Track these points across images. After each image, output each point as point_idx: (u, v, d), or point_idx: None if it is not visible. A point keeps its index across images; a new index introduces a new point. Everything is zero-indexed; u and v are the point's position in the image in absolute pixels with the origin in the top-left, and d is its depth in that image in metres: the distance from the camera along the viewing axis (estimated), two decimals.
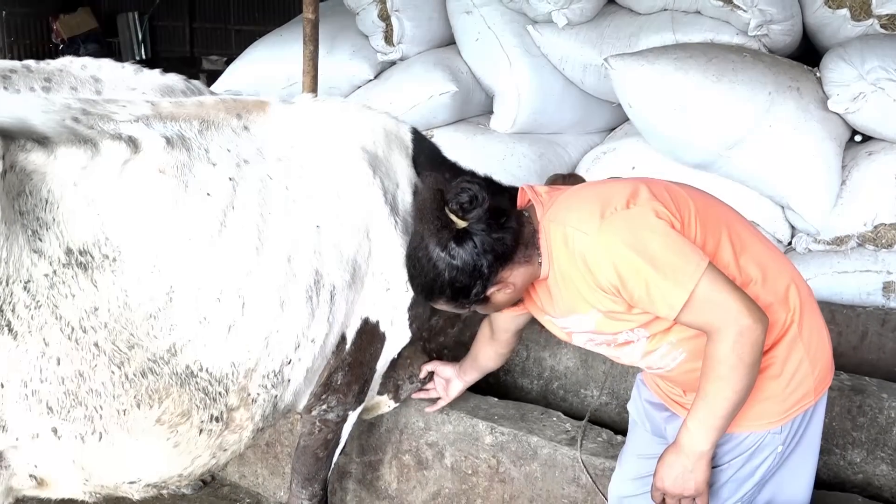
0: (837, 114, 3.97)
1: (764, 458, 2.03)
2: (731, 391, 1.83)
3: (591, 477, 2.77)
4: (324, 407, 2.56)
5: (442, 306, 2.09)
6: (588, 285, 1.93)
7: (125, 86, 2.50)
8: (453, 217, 1.95)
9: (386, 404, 2.85)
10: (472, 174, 2.92)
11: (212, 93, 2.79)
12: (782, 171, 3.88)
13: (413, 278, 2.06)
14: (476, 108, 5.03)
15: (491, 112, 4.94)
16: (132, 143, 1.91)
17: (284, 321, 2.15)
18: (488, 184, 2.94)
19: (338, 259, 2.27)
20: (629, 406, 2.44)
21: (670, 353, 2.03)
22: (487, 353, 2.69)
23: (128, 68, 2.57)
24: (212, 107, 2.16)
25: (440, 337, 3.00)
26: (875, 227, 3.88)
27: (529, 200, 2.10)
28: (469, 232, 1.93)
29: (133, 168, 1.89)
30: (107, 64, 2.55)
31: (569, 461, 2.80)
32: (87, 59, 2.54)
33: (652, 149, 4.23)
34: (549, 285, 2.06)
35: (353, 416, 2.67)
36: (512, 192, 2.92)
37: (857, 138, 4.14)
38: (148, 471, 2.07)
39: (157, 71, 2.62)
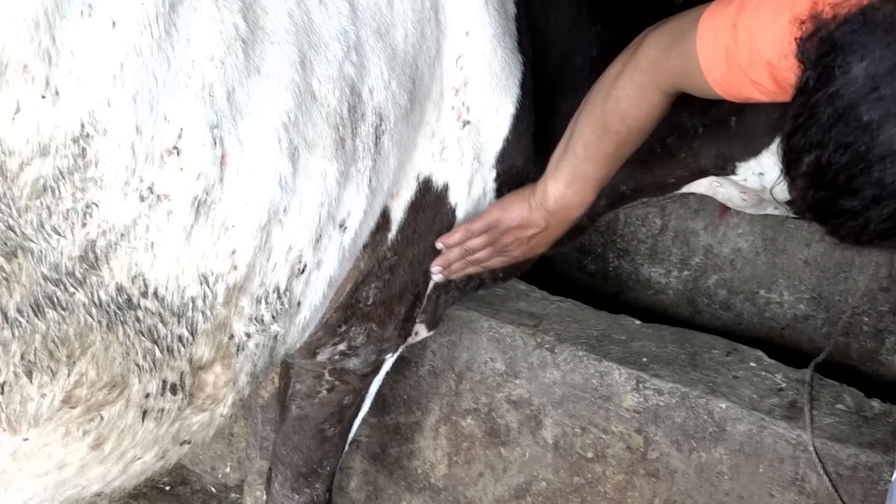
0: None
1: None
2: None
3: (830, 480, 1.75)
4: (342, 347, 1.82)
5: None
6: None
7: None
8: None
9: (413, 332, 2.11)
10: None
11: None
12: None
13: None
14: None
15: None
16: None
17: (296, 189, 1.44)
18: None
19: (388, 61, 1.54)
20: None
21: None
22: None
23: None
24: None
25: None
26: None
27: None
28: None
29: None
30: None
31: (788, 448, 1.81)
32: None
33: None
34: None
35: (389, 363, 1.95)
36: None
37: None
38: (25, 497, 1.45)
39: None
